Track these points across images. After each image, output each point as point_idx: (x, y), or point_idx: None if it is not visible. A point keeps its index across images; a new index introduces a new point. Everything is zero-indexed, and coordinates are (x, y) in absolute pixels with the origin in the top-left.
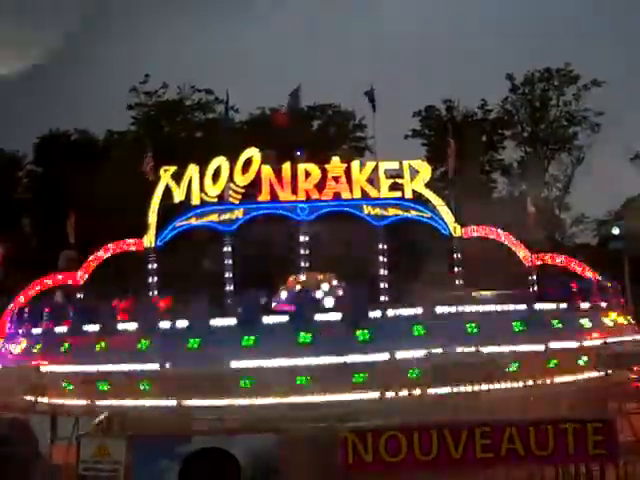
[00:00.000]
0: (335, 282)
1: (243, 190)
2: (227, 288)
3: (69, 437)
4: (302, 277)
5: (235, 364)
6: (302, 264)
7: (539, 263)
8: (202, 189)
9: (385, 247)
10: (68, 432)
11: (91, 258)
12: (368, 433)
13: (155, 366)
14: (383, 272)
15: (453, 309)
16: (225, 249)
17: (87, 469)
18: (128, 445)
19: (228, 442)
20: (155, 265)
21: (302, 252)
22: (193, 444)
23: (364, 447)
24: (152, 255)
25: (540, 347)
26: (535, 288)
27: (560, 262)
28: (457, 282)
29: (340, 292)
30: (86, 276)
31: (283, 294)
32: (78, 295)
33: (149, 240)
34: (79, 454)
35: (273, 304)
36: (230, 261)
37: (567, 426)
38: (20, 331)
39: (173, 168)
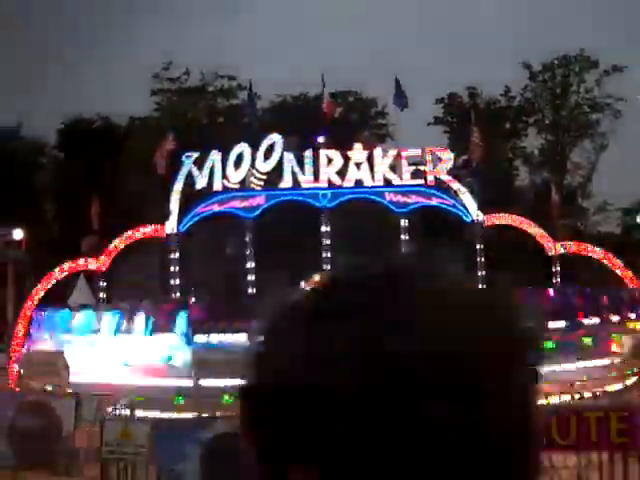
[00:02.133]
0: None
1: (265, 176)
2: (249, 278)
3: (92, 420)
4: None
5: None
6: (324, 256)
7: (562, 252)
8: (224, 175)
9: (407, 236)
10: (92, 415)
11: (113, 244)
12: None
13: None
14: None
15: None
16: (247, 236)
17: (110, 452)
18: (152, 428)
19: None
20: (177, 251)
21: (324, 242)
22: (216, 429)
23: None
24: (174, 241)
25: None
26: (558, 280)
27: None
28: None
29: None
30: (108, 262)
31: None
32: (100, 282)
33: (171, 226)
34: (102, 437)
35: None
36: (251, 248)
37: (590, 414)
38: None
39: (195, 154)
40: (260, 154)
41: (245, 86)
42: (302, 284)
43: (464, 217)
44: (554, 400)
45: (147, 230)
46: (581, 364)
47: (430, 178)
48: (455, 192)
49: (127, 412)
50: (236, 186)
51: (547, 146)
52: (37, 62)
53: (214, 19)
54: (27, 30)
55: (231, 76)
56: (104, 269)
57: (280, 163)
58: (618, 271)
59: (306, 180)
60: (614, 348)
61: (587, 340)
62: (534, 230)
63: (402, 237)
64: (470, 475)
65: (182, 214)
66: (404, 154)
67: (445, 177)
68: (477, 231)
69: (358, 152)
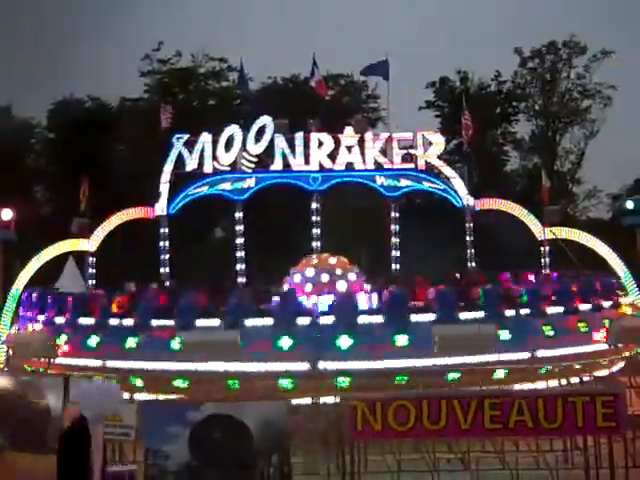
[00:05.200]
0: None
1: (256, 159)
2: (238, 266)
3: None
4: (314, 260)
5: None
6: (313, 239)
7: (551, 237)
8: (214, 157)
9: (397, 217)
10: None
11: (103, 225)
12: (377, 402)
13: None
14: (395, 240)
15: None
16: (237, 218)
17: None
18: (139, 409)
19: (239, 409)
20: (167, 233)
21: (314, 230)
22: (204, 411)
23: (373, 416)
24: (164, 223)
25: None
26: (548, 266)
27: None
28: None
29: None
30: (98, 243)
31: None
32: (90, 261)
33: (161, 208)
34: None
35: (285, 286)
36: (242, 230)
37: (576, 399)
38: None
39: (186, 136)
40: (251, 136)
41: (236, 67)
42: (292, 268)
43: (454, 202)
44: (542, 385)
45: (137, 212)
46: (570, 350)
47: (421, 162)
48: (446, 176)
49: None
50: (226, 168)
51: (537, 132)
52: (28, 42)
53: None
54: (18, 11)
55: (222, 58)
56: (93, 251)
57: (271, 145)
58: (606, 257)
59: (297, 163)
60: (601, 334)
61: (582, 325)
62: (524, 215)
63: (392, 220)
64: None
65: (172, 196)
66: (395, 138)
67: (436, 161)
68: (467, 215)
69: (349, 135)
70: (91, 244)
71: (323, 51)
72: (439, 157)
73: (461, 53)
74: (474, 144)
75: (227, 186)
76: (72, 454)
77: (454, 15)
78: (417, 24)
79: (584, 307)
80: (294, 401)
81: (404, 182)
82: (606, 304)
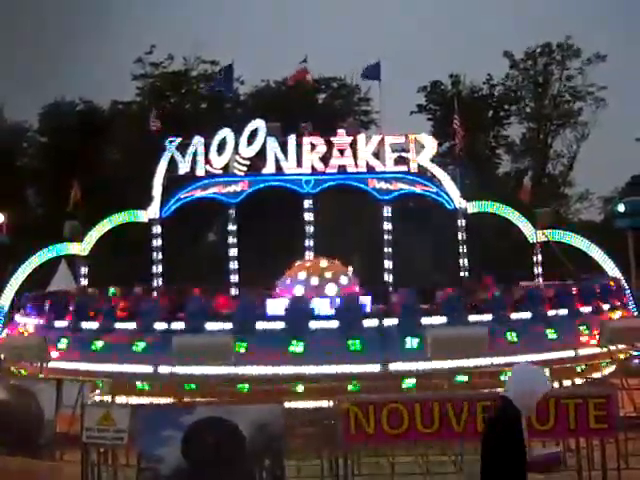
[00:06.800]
0: (348, 273)
1: (248, 162)
2: (231, 266)
3: (74, 405)
4: (307, 263)
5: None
6: (306, 243)
7: (543, 240)
8: (207, 161)
9: (390, 219)
10: (73, 400)
11: (95, 228)
12: (370, 405)
13: None
14: (387, 250)
15: None
16: (229, 221)
17: (91, 436)
18: (132, 413)
19: (232, 412)
20: (159, 236)
21: (307, 230)
22: (197, 414)
23: (366, 419)
24: (156, 226)
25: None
26: (540, 269)
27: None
28: (461, 262)
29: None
30: (90, 246)
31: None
32: (82, 266)
33: (153, 211)
34: (83, 421)
35: (277, 289)
36: (234, 233)
37: (568, 401)
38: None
39: (178, 139)
40: (243, 139)
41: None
42: (285, 271)
43: (447, 204)
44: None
45: (129, 215)
46: (562, 353)
47: (413, 165)
48: (438, 179)
49: (108, 397)
50: (219, 171)
51: (529, 135)
52: (19, 44)
53: (197, 3)
54: (6, 12)
55: (214, 61)
56: (85, 254)
57: (263, 149)
58: (599, 260)
59: (289, 166)
60: (590, 337)
61: (549, 331)
62: (516, 218)
63: (384, 223)
64: None
65: (165, 199)
66: (387, 141)
67: (428, 164)
68: (460, 218)
69: (341, 138)
70: (83, 248)
71: (317, 54)
72: (431, 160)
73: (455, 56)
74: (466, 147)
75: (220, 189)
76: (505, 447)
77: (449, 18)
78: (411, 27)
79: (553, 313)
80: (287, 404)
81: (397, 185)
82: (585, 309)
